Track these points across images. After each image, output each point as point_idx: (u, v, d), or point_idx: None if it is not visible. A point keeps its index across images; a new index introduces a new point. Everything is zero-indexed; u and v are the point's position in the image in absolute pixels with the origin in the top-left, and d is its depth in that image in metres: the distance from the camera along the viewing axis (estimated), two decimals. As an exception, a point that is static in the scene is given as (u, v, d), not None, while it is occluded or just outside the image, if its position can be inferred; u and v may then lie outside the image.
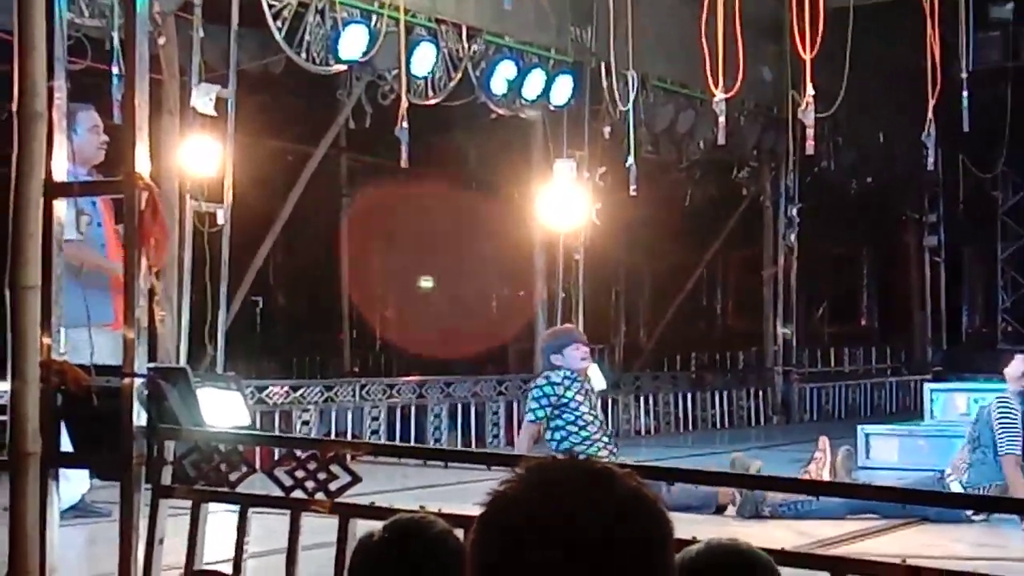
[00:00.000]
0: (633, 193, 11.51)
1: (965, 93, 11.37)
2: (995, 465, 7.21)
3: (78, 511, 6.64)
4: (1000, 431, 7.16)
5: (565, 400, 7.81)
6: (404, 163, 10.17)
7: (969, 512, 6.99)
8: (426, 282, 18.34)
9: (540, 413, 7.85)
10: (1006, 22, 16.32)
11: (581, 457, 1.68)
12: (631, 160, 11.39)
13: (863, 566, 2.98)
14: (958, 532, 6.84)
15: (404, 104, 10.08)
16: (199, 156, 9.18)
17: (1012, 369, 7.50)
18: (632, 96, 11.63)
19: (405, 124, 10.03)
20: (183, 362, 8.61)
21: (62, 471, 3.82)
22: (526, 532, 1.57)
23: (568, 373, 7.89)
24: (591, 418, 7.89)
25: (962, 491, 7.20)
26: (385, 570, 2.50)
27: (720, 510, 7.43)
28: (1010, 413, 7.19)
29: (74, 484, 6.50)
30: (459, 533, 2.60)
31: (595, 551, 1.56)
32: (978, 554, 6.29)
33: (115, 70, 8.37)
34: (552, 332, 9.10)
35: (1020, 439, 7.14)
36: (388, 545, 2.53)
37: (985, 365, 14.75)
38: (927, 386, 11.77)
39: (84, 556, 5.79)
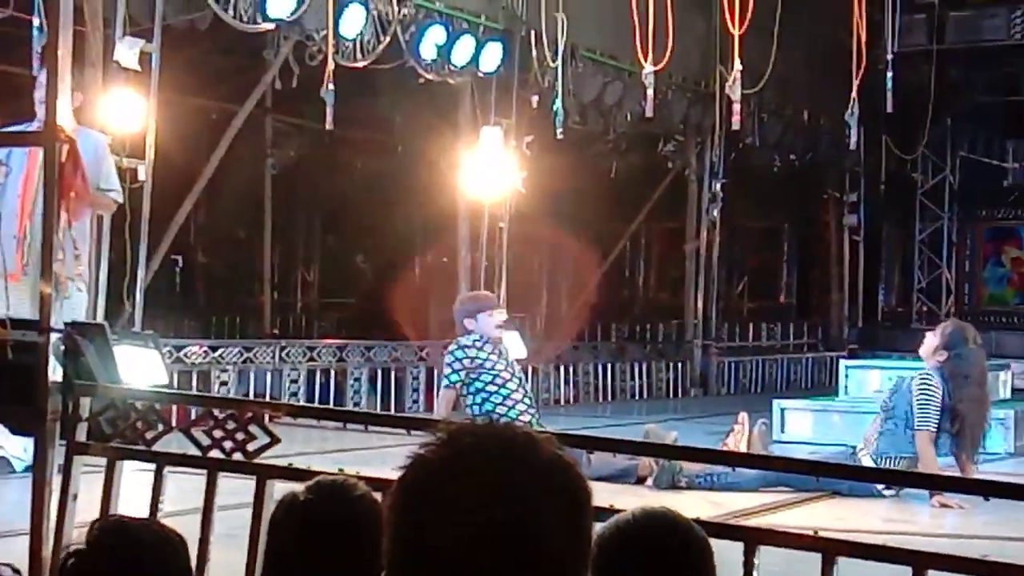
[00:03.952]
0: (560, 136, 11.56)
1: (889, 74, 11.51)
2: (905, 437, 7.34)
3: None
4: (918, 407, 7.28)
5: (480, 361, 7.82)
6: (329, 125, 10.11)
7: (880, 487, 7.12)
8: (362, 263, 18.24)
9: (455, 377, 7.86)
10: (931, 5, 16.50)
11: (501, 422, 1.66)
12: (559, 103, 11.45)
13: (775, 537, 3.01)
14: (869, 506, 6.97)
15: (331, 66, 9.99)
16: (121, 111, 9.03)
17: (925, 347, 7.62)
18: (559, 62, 11.64)
19: (332, 86, 9.95)
20: (100, 318, 8.50)
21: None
22: (447, 497, 1.56)
23: (479, 336, 7.90)
24: (509, 376, 7.89)
25: (873, 465, 7.32)
26: (308, 531, 2.50)
27: (640, 482, 7.49)
28: (930, 390, 7.32)
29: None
30: (379, 496, 2.60)
31: (516, 516, 1.55)
32: (887, 527, 6.41)
33: (36, 21, 8.21)
34: (469, 296, 9.04)
35: (936, 416, 7.27)
36: (311, 505, 2.53)
37: (900, 343, 15.01)
38: (842, 363, 11.93)
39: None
